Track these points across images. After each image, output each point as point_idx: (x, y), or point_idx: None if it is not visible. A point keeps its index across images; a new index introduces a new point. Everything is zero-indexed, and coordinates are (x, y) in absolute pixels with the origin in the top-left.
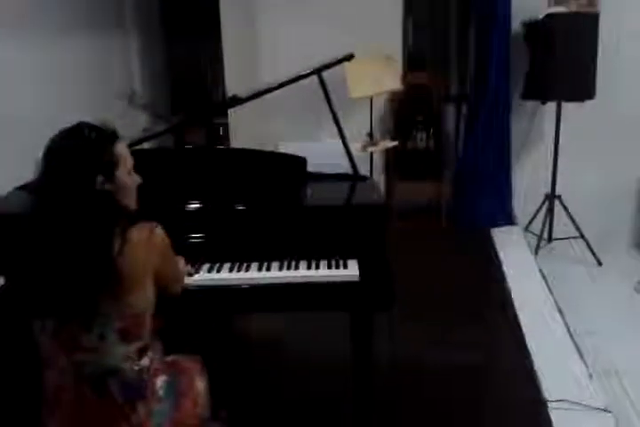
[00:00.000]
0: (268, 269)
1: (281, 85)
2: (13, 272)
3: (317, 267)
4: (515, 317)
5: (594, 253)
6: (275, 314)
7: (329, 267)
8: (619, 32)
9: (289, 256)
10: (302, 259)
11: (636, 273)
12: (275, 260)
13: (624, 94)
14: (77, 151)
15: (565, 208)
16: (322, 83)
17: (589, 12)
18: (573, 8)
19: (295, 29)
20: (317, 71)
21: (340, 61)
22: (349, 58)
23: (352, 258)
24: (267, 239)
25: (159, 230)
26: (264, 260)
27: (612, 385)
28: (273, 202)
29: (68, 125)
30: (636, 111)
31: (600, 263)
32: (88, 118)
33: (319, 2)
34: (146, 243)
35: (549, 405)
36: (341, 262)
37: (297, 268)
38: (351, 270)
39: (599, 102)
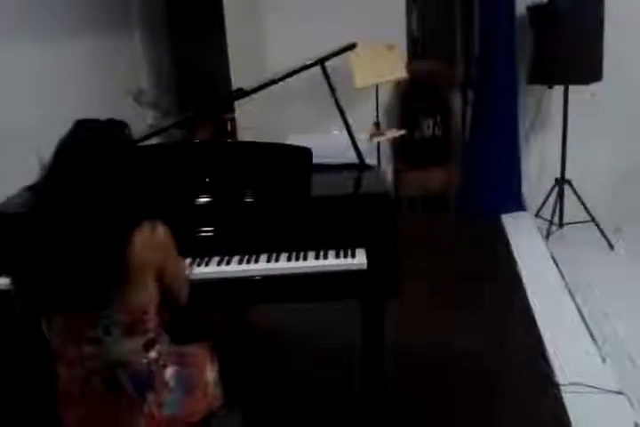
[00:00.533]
0: (277, 260)
1: (284, 77)
2: (22, 269)
3: (326, 257)
4: (527, 302)
5: (605, 237)
6: (285, 305)
7: (337, 256)
8: (625, 11)
9: (297, 247)
10: (310, 249)
11: None
12: (283, 251)
13: (632, 75)
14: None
15: (576, 192)
16: (325, 73)
17: None
18: None
19: (299, 22)
20: (320, 61)
21: (342, 51)
22: (352, 47)
23: (360, 247)
24: (275, 231)
25: (161, 228)
26: (273, 251)
27: (626, 368)
28: (280, 193)
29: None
30: None
31: (612, 247)
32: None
33: None
34: (149, 239)
35: (562, 388)
36: (349, 251)
37: (305, 258)
38: (359, 259)
39: (607, 84)
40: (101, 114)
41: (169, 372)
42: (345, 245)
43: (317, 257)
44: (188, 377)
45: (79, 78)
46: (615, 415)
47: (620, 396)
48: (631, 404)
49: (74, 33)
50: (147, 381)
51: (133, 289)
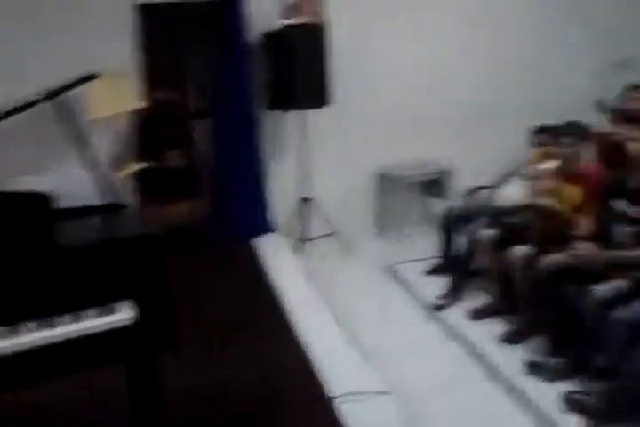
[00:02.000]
0: (24, 332)
1: (9, 114)
2: None
3: (85, 318)
4: (288, 320)
5: (346, 247)
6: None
7: (99, 315)
8: (350, 40)
9: (49, 312)
10: (66, 312)
11: (384, 257)
12: (31, 319)
13: (358, 99)
14: None
15: (317, 209)
16: (59, 107)
17: (316, 24)
18: (302, 20)
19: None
20: (51, 96)
21: (80, 82)
22: (92, 77)
23: (125, 299)
24: (18, 297)
25: None
26: (15, 322)
27: (385, 368)
28: (17, 251)
29: None
30: (371, 112)
31: (352, 254)
32: None
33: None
34: None
35: (337, 400)
36: (113, 307)
37: (60, 324)
38: (125, 313)
39: (341, 107)
40: None
41: None
42: (107, 300)
43: (74, 320)
44: None
45: None
46: (387, 413)
47: (388, 395)
48: (397, 400)
49: None
50: None
51: None
